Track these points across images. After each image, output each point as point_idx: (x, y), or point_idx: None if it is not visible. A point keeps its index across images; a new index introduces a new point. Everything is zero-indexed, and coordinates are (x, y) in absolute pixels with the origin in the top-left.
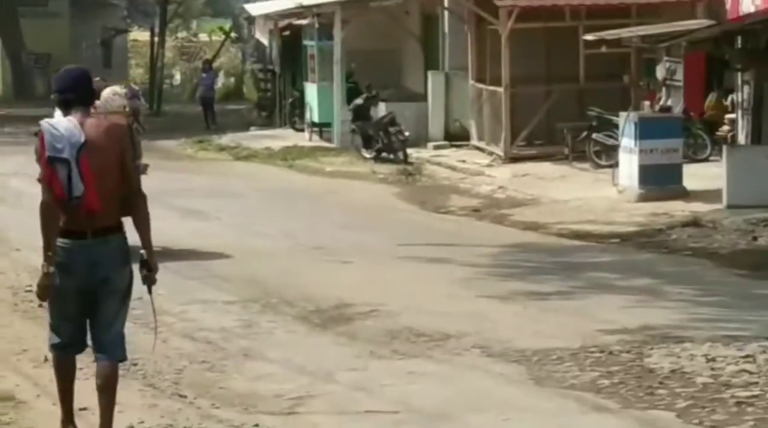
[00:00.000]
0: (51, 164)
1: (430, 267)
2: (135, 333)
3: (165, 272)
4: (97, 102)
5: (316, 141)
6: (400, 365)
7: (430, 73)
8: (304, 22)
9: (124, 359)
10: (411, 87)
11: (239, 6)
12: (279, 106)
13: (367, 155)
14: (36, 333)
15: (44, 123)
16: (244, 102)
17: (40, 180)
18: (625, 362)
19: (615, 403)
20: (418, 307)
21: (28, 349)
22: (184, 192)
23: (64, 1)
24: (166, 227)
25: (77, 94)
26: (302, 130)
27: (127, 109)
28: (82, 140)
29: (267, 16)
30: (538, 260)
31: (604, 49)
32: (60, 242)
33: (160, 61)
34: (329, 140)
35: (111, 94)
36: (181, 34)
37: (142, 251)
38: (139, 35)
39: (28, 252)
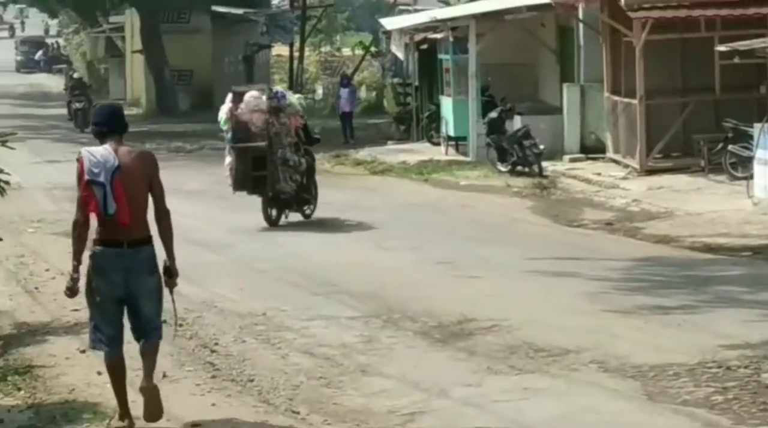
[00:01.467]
0: (89, 186)
1: (556, 281)
2: (256, 350)
3: (290, 287)
4: (242, 104)
5: (452, 155)
6: (515, 380)
7: (565, 86)
8: (439, 36)
9: (161, 336)
10: (546, 100)
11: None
12: (416, 120)
13: (502, 169)
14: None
15: (83, 151)
16: (384, 116)
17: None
18: (741, 377)
19: (727, 419)
20: (540, 321)
21: None
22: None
23: (206, 17)
24: (297, 242)
25: (110, 126)
26: (438, 143)
27: (264, 107)
28: (116, 164)
29: (402, 31)
30: (667, 274)
31: (737, 59)
32: (100, 250)
33: (299, 77)
34: (465, 154)
35: (249, 96)
36: (325, 48)
37: (165, 259)
38: (283, 50)
39: None
